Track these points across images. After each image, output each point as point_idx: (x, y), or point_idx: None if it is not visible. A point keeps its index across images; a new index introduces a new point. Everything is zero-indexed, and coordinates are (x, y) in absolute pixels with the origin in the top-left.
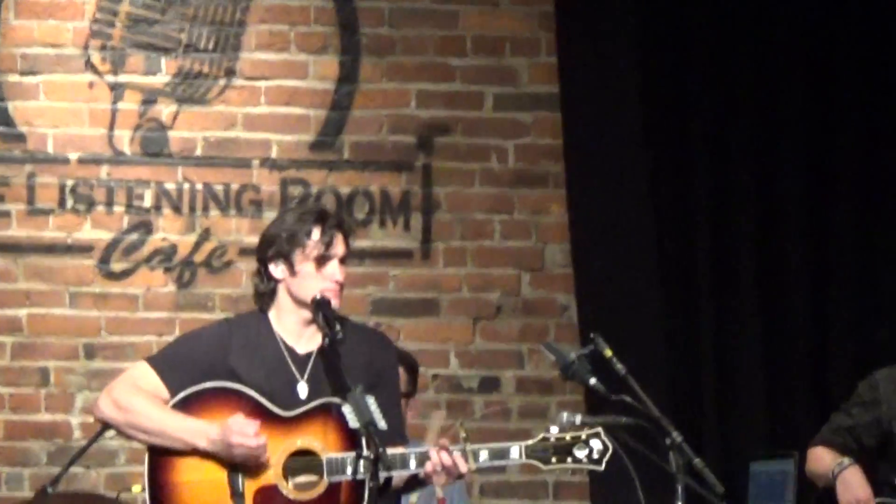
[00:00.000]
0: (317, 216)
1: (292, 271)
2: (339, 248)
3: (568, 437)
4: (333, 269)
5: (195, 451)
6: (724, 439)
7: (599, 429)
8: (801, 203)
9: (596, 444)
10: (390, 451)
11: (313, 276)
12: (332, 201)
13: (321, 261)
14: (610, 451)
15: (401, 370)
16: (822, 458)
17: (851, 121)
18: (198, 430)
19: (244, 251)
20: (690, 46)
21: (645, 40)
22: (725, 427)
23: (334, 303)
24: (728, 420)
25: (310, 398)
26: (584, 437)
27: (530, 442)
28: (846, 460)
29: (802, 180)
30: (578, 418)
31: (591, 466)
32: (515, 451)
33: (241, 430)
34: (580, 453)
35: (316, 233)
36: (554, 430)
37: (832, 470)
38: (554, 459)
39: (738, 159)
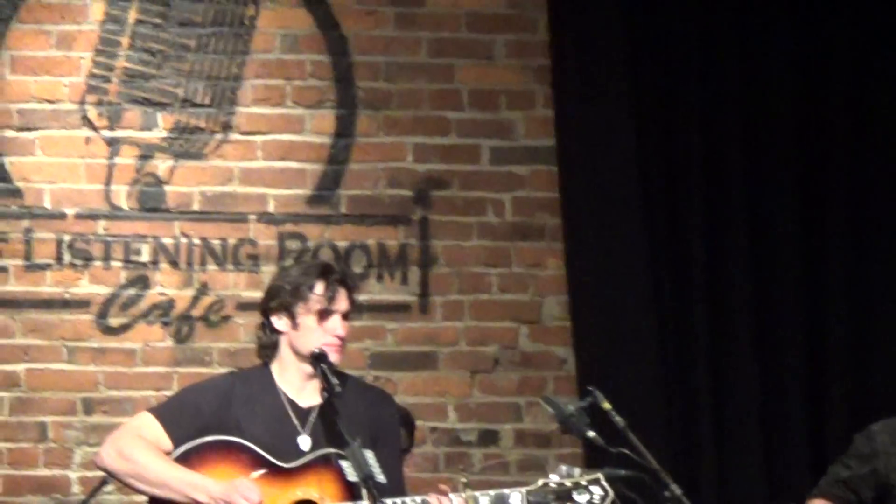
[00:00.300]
0: (321, 270)
1: (294, 324)
2: (341, 303)
3: (568, 482)
4: (335, 324)
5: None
6: (722, 491)
7: (599, 474)
8: (798, 252)
9: (596, 490)
10: (391, 500)
11: (315, 329)
12: (330, 255)
13: (323, 315)
14: (610, 496)
15: None
16: None
17: (845, 144)
18: (200, 484)
19: (242, 305)
20: (685, 100)
21: (640, 94)
22: (724, 479)
23: (335, 358)
24: (726, 472)
25: (312, 451)
26: (584, 482)
27: (531, 487)
28: None
29: (799, 220)
30: (577, 471)
31: None
32: (517, 497)
33: (246, 494)
34: (581, 498)
35: (319, 287)
36: (554, 477)
37: None
38: None
39: (733, 208)
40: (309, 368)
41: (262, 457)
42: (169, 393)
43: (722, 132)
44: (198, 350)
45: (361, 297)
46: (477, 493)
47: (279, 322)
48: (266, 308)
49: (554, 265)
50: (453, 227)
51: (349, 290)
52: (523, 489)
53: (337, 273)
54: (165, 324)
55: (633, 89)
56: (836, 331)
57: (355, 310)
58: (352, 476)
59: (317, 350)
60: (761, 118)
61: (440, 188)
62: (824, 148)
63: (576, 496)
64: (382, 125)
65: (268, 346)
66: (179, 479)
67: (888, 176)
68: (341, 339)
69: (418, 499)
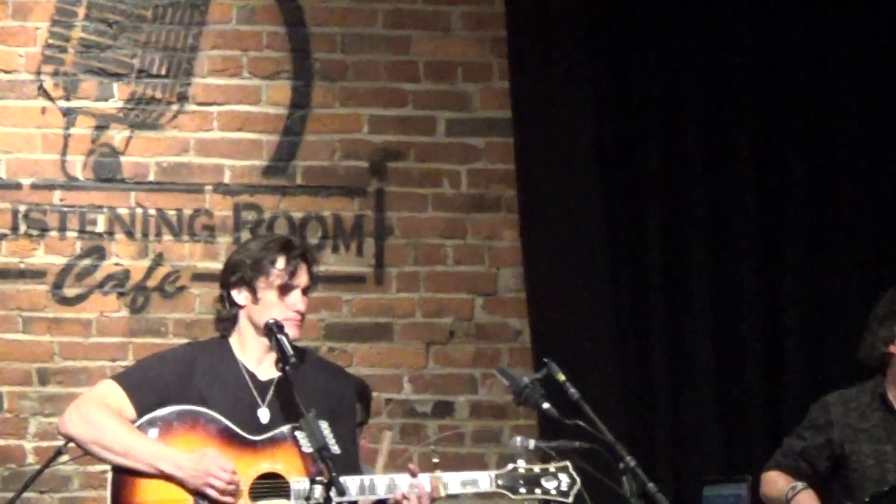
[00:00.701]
0: (282, 245)
1: (255, 298)
2: (302, 278)
3: (537, 468)
4: (295, 298)
5: (160, 474)
6: (677, 463)
7: (567, 463)
8: (754, 224)
9: (564, 478)
10: (360, 477)
11: (275, 304)
12: (285, 226)
13: (284, 290)
14: (578, 484)
15: None
16: (775, 483)
17: (805, 131)
18: (166, 455)
19: (197, 276)
20: (643, 71)
21: (597, 65)
22: (679, 451)
23: (294, 332)
24: (681, 444)
25: (271, 423)
26: (552, 469)
27: (500, 471)
28: (799, 484)
29: (757, 204)
30: (532, 443)
31: (560, 499)
32: (486, 480)
33: (221, 464)
34: (549, 485)
35: (280, 262)
36: (521, 462)
37: (785, 493)
38: (523, 490)
39: (692, 183)
40: (268, 341)
41: (229, 428)
42: (125, 363)
43: (681, 104)
44: (153, 320)
45: (317, 268)
46: (446, 474)
47: (239, 296)
48: (226, 282)
49: (510, 237)
50: (409, 198)
51: (309, 264)
52: (492, 472)
53: (298, 248)
54: (121, 294)
55: (591, 61)
56: (792, 301)
57: (314, 284)
58: (306, 447)
59: (272, 321)
60: (722, 90)
61: (396, 160)
62: (785, 115)
63: (544, 482)
64: (338, 96)
65: (226, 320)
66: (145, 448)
67: (845, 144)
68: (301, 313)
69: (386, 477)
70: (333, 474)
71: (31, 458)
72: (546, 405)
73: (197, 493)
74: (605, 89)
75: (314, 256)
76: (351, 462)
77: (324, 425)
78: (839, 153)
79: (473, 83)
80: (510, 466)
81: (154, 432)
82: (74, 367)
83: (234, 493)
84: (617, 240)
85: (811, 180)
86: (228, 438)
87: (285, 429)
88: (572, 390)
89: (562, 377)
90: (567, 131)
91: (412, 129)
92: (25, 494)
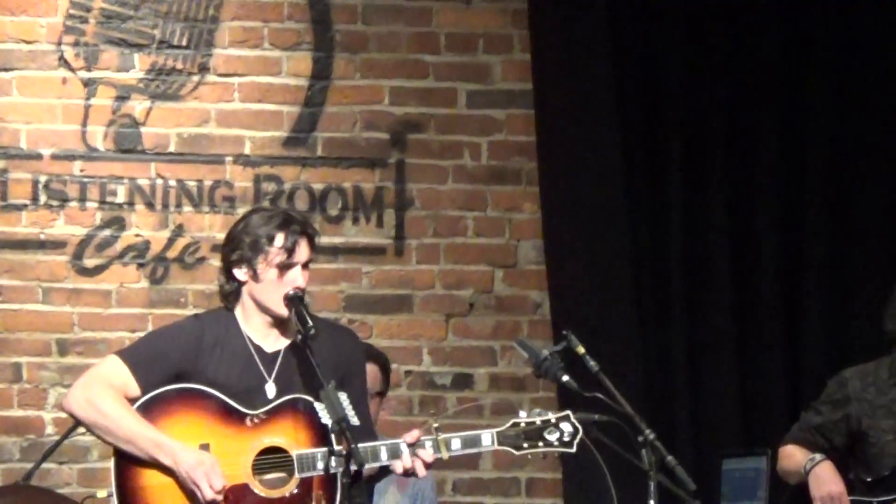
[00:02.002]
0: (281, 221)
1: (255, 277)
2: (301, 254)
3: (538, 421)
4: (295, 275)
5: (158, 463)
6: (696, 437)
7: (569, 412)
8: (775, 199)
9: (566, 427)
10: (361, 445)
11: (275, 281)
12: (306, 198)
13: (283, 267)
14: (580, 433)
15: (374, 368)
16: (793, 456)
17: (827, 111)
18: (168, 447)
19: (217, 247)
20: (665, 42)
21: (619, 37)
22: (698, 424)
23: (285, 311)
24: (701, 417)
25: (278, 397)
26: (553, 420)
27: (501, 428)
28: (818, 456)
29: (777, 175)
30: (551, 416)
31: (563, 449)
32: (487, 437)
33: (211, 479)
34: (551, 437)
35: (279, 239)
36: (523, 414)
37: (804, 466)
38: (525, 445)
39: (712, 155)
40: (270, 318)
41: (229, 405)
42: (143, 334)
43: (705, 74)
44: (173, 291)
45: (337, 240)
46: (449, 436)
47: (240, 273)
48: (226, 258)
49: (530, 209)
50: (429, 170)
51: (310, 238)
52: (494, 430)
53: (297, 223)
54: (141, 265)
55: (612, 33)
56: (813, 275)
57: (329, 252)
58: (325, 419)
59: (291, 292)
60: (747, 60)
61: (417, 131)
62: (809, 79)
63: (546, 435)
64: (359, 68)
65: (230, 294)
66: (148, 437)
67: (869, 113)
68: (301, 289)
69: (389, 442)
70: (353, 445)
71: (50, 429)
72: (565, 377)
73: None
74: (626, 61)
75: (314, 230)
76: (365, 429)
77: (342, 396)
78: (862, 122)
79: (494, 55)
80: (511, 422)
81: (153, 411)
82: (94, 337)
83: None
84: (637, 212)
85: (834, 150)
86: (227, 415)
87: (287, 401)
88: (592, 363)
89: (581, 350)
90: (588, 104)
91: (433, 101)
92: (45, 465)
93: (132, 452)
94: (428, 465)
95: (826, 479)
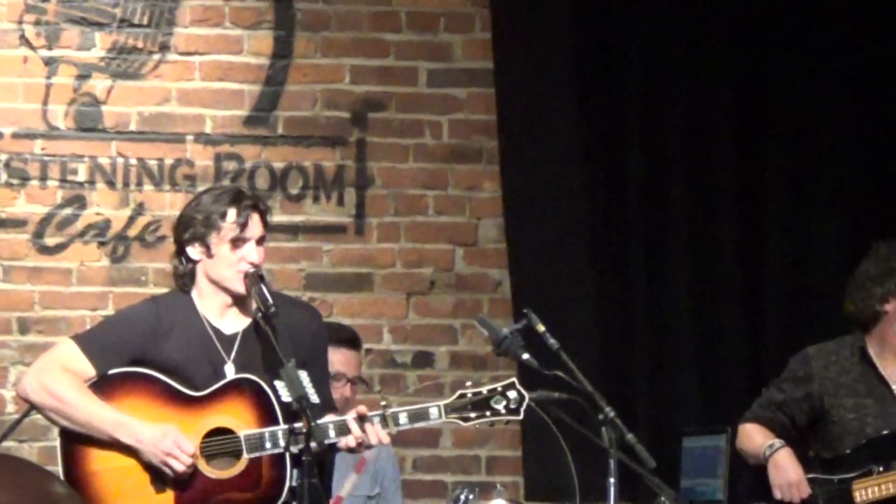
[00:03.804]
0: (232, 197)
1: (209, 254)
2: (254, 229)
3: (485, 390)
4: (249, 250)
5: (118, 444)
6: (656, 414)
7: (514, 379)
8: (735, 178)
9: (512, 394)
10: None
11: (229, 258)
12: (266, 176)
13: (237, 243)
14: (526, 399)
15: (356, 355)
16: (752, 436)
17: (784, 87)
18: (128, 426)
19: None
20: (625, 20)
21: (579, 15)
22: (658, 402)
23: (242, 287)
24: (660, 395)
25: None
26: (500, 388)
27: (448, 400)
28: (777, 442)
29: (737, 155)
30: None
31: (511, 416)
32: (435, 411)
33: (183, 447)
34: (498, 405)
35: (231, 214)
36: (469, 384)
37: (763, 452)
38: (473, 415)
39: (672, 133)
40: (227, 297)
41: (173, 387)
42: (105, 313)
43: (665, 50)
44: (133, 270)
45: (297, 218)
46: (396, 410)
47: (194, 252)
48: (179, 238)
49: (490, 188)
50: (390, 148)
51: (262, 213)
52: (441, 403)
53: (249, 199)
54: (101, 244)
55: (572, 12)
56: (773, 253)
57: (290, 230)
58: (286, 397)
59: (250, 270)
60: (707, 34)
61: (377, 110)
62: (768, 61)
63: (493, 404)
64: (320, 46)
65: (185, 275)
66: (107, 418)
67: (828, 96)
68: (255, 265)
69: (337, 419)
70: (313, 423)
71: (10, 407)
72: (525, 356)
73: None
74: (586, 40)
75: (266, 205)
76: (327, 405)
77: (303, 374)
78: (822, 105)
79: (455, 34)
80: (458, 393)
81: (102, 394)
82: (55, 316)
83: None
84: (598, 191)
85: (795, 132)
86: (172, 398)
87: (230, 381)
88: (552, 341)
89: (541, 328)
90: (548, 82)
91: (394, 80)
92: (5, 443)
93: (91, 434)
94: (379, 439)
95: (785, 466)
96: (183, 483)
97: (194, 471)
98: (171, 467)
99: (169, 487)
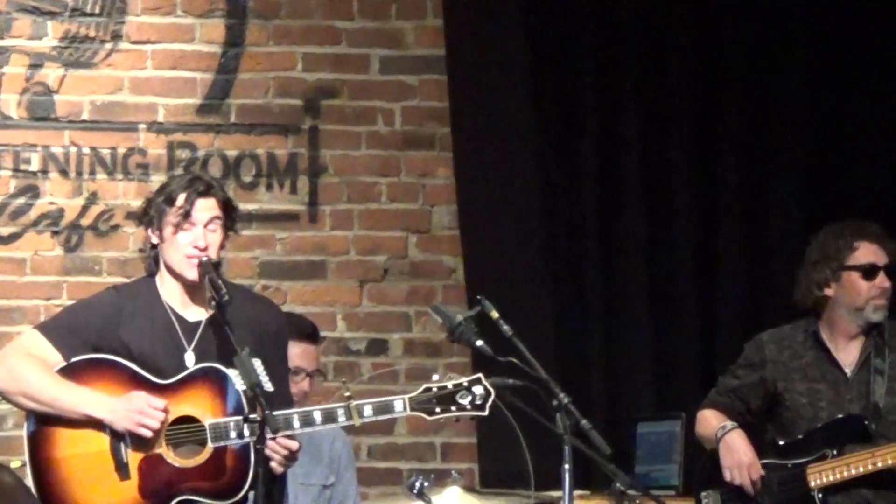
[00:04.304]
0: (185, 183)
1: (162, 237)
2: (202, 213)
3: (450, 385)
4: (195, 235)
5: (77, 425)
6: (611, 401)
7: (480, 375)
8: (689, 166)
9: (478, 390)
10: (276, 412)
11: (177, 241)
12: (219, 164)
13: (182, 227)
14: (492, 395)
15: (316, 349)
16: (708, 421)
17: (742, 73)
18: (94, 400)
19: (131, 215)
20: (578, 6)
21: (532, 2)
22: (612, 388)
23: (191, 273)
24: (615, 381)
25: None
26: (465, 384)
27: (413, 394)
28: (729, 424)
29: (691, 143)
30: (463, 379)
31: (475, 413)
32: (399, 404)
33: (151, 402)
34: (463, 400)
35: (179, 199)
36: (436, 378)
37: (716, 434)
38: (438, 409)
39: (626, 119)
40: (184, 283)
41: (139, 374)
42: (59, 302)
43: (618, 38)
44: (87, 259)
45: (251, 206)
46: (361, 402)
47: (152, 235)
48: (141, 221)
49: (443, 174)
50: (343, 136)
51: (217, 199)
52: (406, 396)
53: (201, 184)
54: (55, 233)
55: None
56: (727, 241)
57: (242, 218)
58: (240, 385)
59: (205, 258)
60: (659, 23)
61: (330, 97)
62: (722, 45)
63: (459, 399)
64: (272, 34)
65: (150, 258)
66: (72, 395)
67: (781, 83)
68: (202, 249)
69: (302, 410)
70: (267, 411)
71: None
72: (479, 343)
73: (114, 437)
74: (538, 26)
75: (222, 191)
76: (283, 398)
77: (257, 363)
78: (775, 90)
79: (407, 21)
80: (423, 387)
81: (68, 380)
82: (8, 305)
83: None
84: (551, 177)
85: (748, 118)
86: (137, 385)
87: (200, 370)
88: (506, 327)
89: (495, 314)
90: (501, 69)
91: (346, 67)
92: None
93: (59, 414)
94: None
95: (736, 448)
96: (148, 471)
97: (159, 459)
98: (146, 426)
99: (134, 475)
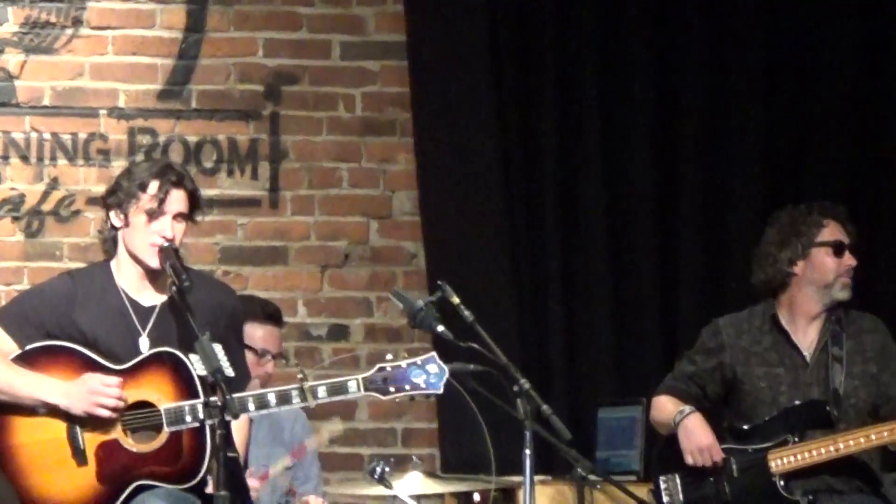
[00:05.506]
0: (158, 170)
1: (126, 222)
2: (173, 204)
3: (404, 364)
4: (163, 225)
5: (34, 412)
6: (571, 386)
7: (434, 353)
8: (649, 151)
9: (432, 368)
10: (240, 395)
11: (144, 229)
12: (180, 150)
13: (153, 215)
14: (446, 373)
15: (277, 331)
16: (665, 407)
17: (702, 60)
18: (48, 385)
19: (92, 200)
20: None
21: None
22: (573, 374)
23: (153, 261)
24: (576, 367)
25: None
26: (419, 362)
27: (367, 374)
28: (687, 408)
29: (652, 126)
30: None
31: (430, 391)
32: (353, 384)
33: (104, 381)
34: (418, 379)
35: (152, 187)
36: (390, 358)
37: (674, 418)
38: (392, 389)
39: (587, 103)
40: (142, 268)
41: (95, 360)
42: (20, 287)
43: (580, 23)
44: (48, 245)
45: (212, 192)
46: (315, 384)
47: (114, 217)
48: (105, 202)
49: (404, 160)
50: (304, 121)
51: (188, 191)
52: (360, 376)
53: (174, 174)
54: (16, 218)
55: None
56: (687, 225)
57: (199, 211)
58: (201, 370)
59: (165, 244)
60: (621, 10)
61: (291, 83)
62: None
63: (412, 377)
64: (233, 20)
65: (108, 241)
66: (27, 381)
67: (741, 67)
68: (169, 239)
69: (256, 393)
70: (227, 396)
71: None
72: (440, 328)
73: (70, 424)
74: (500, 11)
75: (193, 184)
76: (241, 382)
77: (218, 348)
78: (734, 76)
79: (368, 6)
80: (377, 366)
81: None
82: None
83: (112, 413)
84: (512, 161)
85: (706, 99)
86: (92, 370)
87: (154, 355)
88: (466, 313)
89: (456, 300)
90: (461, 54)
91: (307, 53)
92: None
93: (13, 401)
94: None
95: (695, 431)
96: (105, 456)
97: (116, 444)
98: (103, 405)
99: (91, 460)
